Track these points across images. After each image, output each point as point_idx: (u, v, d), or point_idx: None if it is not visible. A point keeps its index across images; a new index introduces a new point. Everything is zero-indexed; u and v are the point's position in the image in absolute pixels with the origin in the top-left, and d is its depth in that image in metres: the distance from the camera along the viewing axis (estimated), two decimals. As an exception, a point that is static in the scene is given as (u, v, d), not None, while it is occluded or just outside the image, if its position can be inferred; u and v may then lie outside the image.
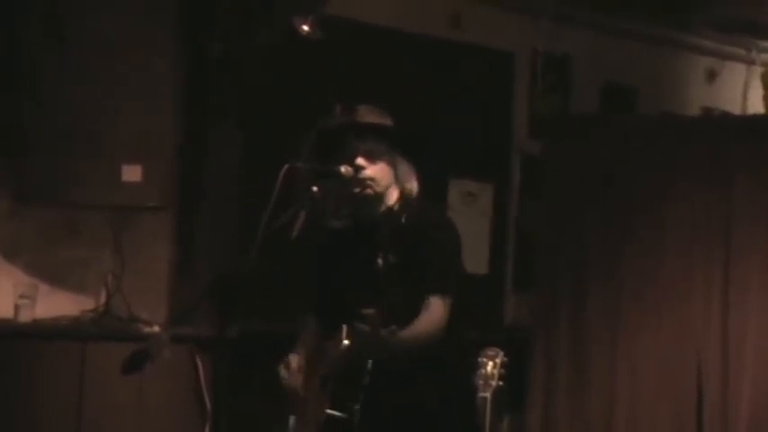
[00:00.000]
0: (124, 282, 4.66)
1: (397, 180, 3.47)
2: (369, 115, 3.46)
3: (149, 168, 4.35)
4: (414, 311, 3.31)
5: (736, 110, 6.41)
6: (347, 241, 3.52)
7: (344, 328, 3.30)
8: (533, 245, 5.43)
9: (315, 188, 3.26)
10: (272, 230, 3.11)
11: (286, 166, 3.20)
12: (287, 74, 4.98)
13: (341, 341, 3.29)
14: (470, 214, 5.57)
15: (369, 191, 3.39)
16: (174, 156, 4.50)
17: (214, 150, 4.90)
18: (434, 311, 3.34)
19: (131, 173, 4.33)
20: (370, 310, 3.13)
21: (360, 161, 3.38)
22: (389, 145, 3.42)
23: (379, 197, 3.43)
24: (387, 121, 3.49)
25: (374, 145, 3.40)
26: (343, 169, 3.36)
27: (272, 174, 3.23)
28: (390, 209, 3.46)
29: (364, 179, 3.38)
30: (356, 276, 3.45)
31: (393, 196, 3.47)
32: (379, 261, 3.38)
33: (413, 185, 3.50)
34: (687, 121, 5.62)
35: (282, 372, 3.51)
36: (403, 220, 3.43)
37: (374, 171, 3.40)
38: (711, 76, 6.43)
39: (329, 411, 3.28)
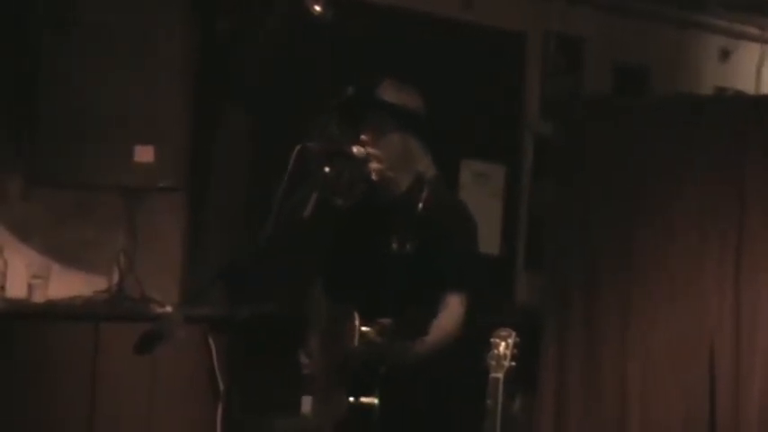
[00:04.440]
0: (137, 262, 4.67)
1: (410, 161, 3.44)
2: (389, 91, 3.44)
3: (162, 149, 4.36)
4: (428, 305, 3.30)
5: (749, 89, 6.38)
6: (361, 223, 3.50)
7: (356, 315, 3.30)
8: (545, 226, 5.42)
9: (327, 168, 3.25)
10: (285, 211, 3.11)
11: (298, 147, 3.20)
12: (298, 54, 4.97)
13: (354, 329, 3.29)
14: (482, 195, 5.56)
15: (372, 167, 3.37)
16: (187, 136, 4.51)
17: (224, 131, 4.90)
18: (453, 312, 3.34)
19: (144, 153, 4.34)
20: (386, 321, 3.12)
21: (364, 137, 3.37)
22: (402, 123, 3.40)
23: (386, 177, 3.41)
24: (410, 99, 3.46)
25: (384, 121, 3.38)
26: (355, 149, 3.35)
27: (283, 154, 3.23)
28: (405, 193, 3.44)
29: (368, 155, 3.36)
30: (370, 260, 3.43)
31: (406, 179, 3.45)
32: (394, 246, 3.36)
33: (427, 168, 3.48)
34: (700, 101, 5.59)
35: (303, 358, 3.51)
36: (419, 205, 3.40)
37: (380, 148, 3.38)
38: (725, 55, 6.39)
39: (354, 400, 3.29)
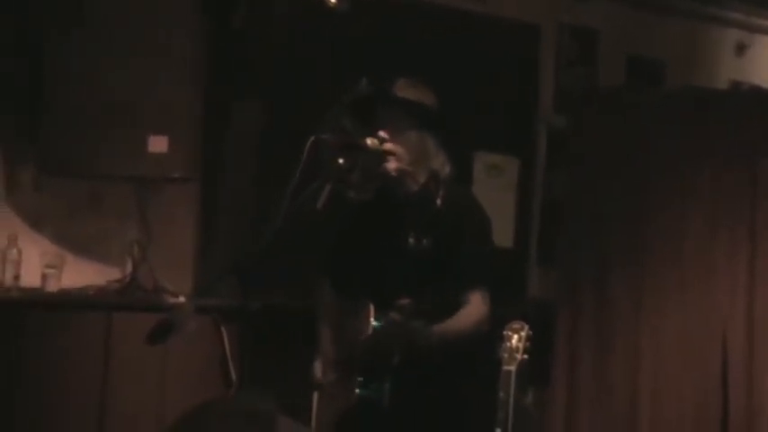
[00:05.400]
0: (150, 252, 4.68)
1: (426, 158, 3.44)
2: (405, 89, 3.43)
3: (175, 139, 4.36)
4: (448, 301, 3.30)
5: (766, 83, 6.34)
6: (376, 217, 3.50)
7: (371, 307, 3.30)
8: (558, 218, 5.40)
9: (341, 160, 3.25)
10: (298, 202, 3.11)
11: (312, 138, 3.19)
12: (310, 46, 4.96)
13: (368, 321, 3.29)
14: (495, 187, 5.55)
15: (391, 165, 3.36)
16: (200, 127, 4.51)
17: (237, 122, 4.91)
18: (476, 308, 3.33)
19: (157, 144, 4.34)
20: (405, 301, 3.13)
21: (382, 134, 3.36)
22: (418, 121, 3.39)
23: (405, 173, 3.40)
24: (425, 97, 3.45)
25: (401, 119, 3.38)
26: (369, 141, 3.34)
27: (296, 146, 3.22)
28: (423, 188, 3.43)
29: (384, 152, 3.35)
30: (385, 254, 3.43)
31: (422, 177, 3.44)
32: (411, 241, 3.36)
33: (444, 166, 3.47)
34: (715, 95, 5.57)
35: (317, 371, 3.51)
36: (438, 202, 3.40)
37: (397, 145, 3.37)
38: (741, 49, 6.36)
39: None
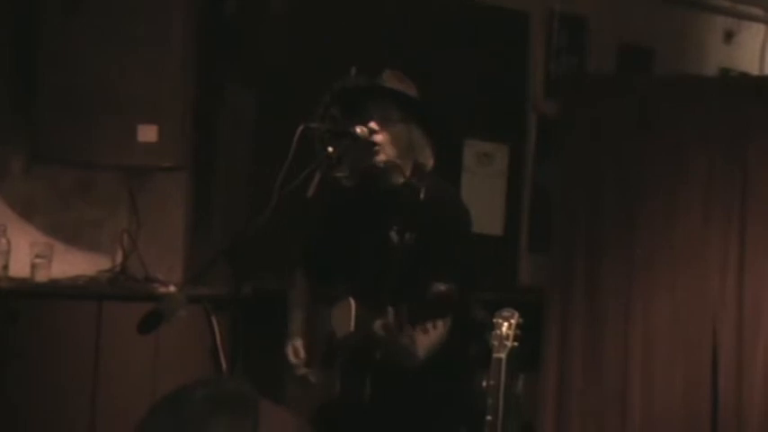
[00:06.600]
0: (140, 242, 4.67)
1: (412, 150, 3.44)
2: (391, 81, 3.43)
3: (165, 128, 4.35)
4: (423, 296, 3.30)
5: (754, 70, 6.36)
6: (359, 209, 3.49)
7: (352, 302, 3.30)
8: (548, 205, 5.41)
9: (330, 149, 3.25)
10: (287, 191, 3.11)
11: (302, 127, 3.19)
12: (301, 34, 4.96)
13: (349, 317, 3.29)
14: (486, 175, 5.56)
15: (378, 157, 3.37)
16: (190, 116, 4.50)
17: (228, 111, 4.90)
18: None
19: (147, 133, 4.33)
20: (389, 319, 3.15)
21: (372, 125, 3.36)
22: (406, 113, 3.39)
23: (392, 165, 3.40)
24: (409, 89, 3.45)
25: (390, 111, 3.38)
26: (358, 130, 3.34)
27: (286, 134, 3.22)
28: (407, 181, 3.43)
29: (373, 144, 3.36)
30: (367, 248, 3.43)
31: (407, 168, 3.44)
32: (393, 235, 3.36)
33: (427, 159, 3.47)
34: (704, 82, 5.57)
35: (291, 357, 3.52)
36: (421, 195, 3.40)
37: (386, 137, 3.37)
38: (729, 36, 6.37)
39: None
